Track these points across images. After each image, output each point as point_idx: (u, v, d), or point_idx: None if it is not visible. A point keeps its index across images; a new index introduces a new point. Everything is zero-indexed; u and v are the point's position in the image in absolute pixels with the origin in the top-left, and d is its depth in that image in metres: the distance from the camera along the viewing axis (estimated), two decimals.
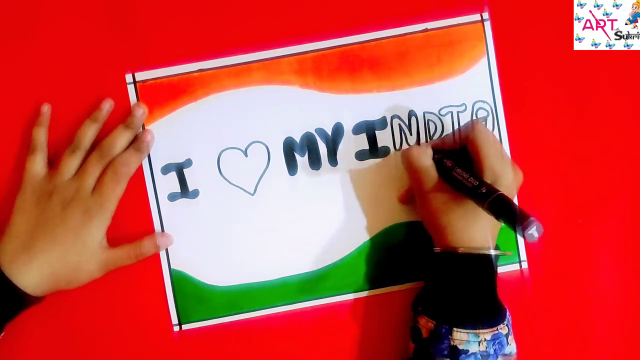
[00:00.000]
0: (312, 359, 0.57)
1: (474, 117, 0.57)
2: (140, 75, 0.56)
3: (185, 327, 0.57)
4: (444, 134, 0.57)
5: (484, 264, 0.50)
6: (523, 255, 0.58)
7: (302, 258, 0.57)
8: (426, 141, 0.57)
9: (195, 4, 0.57)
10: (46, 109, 0.56)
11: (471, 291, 0.50)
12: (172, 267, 0.57)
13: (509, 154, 0.57)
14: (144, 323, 0.57)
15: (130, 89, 0.56)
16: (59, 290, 0.54)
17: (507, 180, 0.50)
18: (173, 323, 0.57)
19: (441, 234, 0.51)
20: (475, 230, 0.50)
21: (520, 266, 0.58)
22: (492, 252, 0.50)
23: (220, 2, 0.57)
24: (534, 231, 0.44)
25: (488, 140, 0.51)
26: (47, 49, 0.56)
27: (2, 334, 0.54)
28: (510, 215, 0.45)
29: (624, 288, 0.58)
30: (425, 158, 0.53)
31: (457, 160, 0.52)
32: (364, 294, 0.58)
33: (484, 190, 0.47)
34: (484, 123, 0.56)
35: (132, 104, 0.56)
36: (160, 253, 0.57)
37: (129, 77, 0.56)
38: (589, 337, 0.58)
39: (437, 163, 0.53)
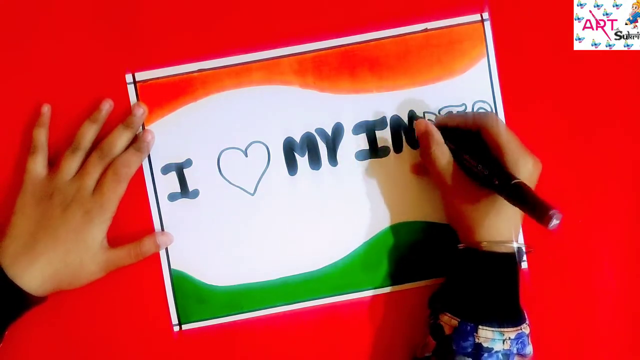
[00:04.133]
0: (312, 359, 0.57)
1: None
2: (140, 75, 0.56)
3: (185, 327, 0.57)
4: (453, 112, 0.57)
5: (509, 262, 0.50)
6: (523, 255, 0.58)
7: (302, 258, 0.57)
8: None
9: (195, 4, 0.57)
10: (46, 109, 0.56)
11: (497, 289, 0.50)
12: (172, 267, 0.57)
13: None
14: (144, 323, 0.57)
15: (130, 89, 0.56)
16: (60, 290, 0.54)
17: (528, 169, 0.50)
18: (173, 323, 0.57)
19: (467, 230, 0.51)
20: (501, 224, 0.50)
21: (521, 266, 0.58)
22: (516, 245, 0.50)
23: (220, 2, 0.57)
24: (555, 221, 0.43)
25: (505, 131, 0.51)
26: (47, 49, 0.56)
27: (5, 336, 0.53)
28: (528, 203, 0.45)
29: (624, 288, 0.58)
30: (440, 152, 0.52)
31: (464, 143, 0.52)
32: (364, 293, 0.58)
33: (497, 182, 0.48)
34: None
35: (132, 104, 0.56)
36: (160, 253, 0.57)
37: (129, 77, 0.56)
38: (589, 337, 0.58)
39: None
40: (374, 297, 0.58)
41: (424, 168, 0.56)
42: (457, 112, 0.57)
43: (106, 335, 0.57)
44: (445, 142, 0.53)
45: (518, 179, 0.47)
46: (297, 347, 0.57)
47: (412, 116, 0.57)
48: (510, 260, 0.50)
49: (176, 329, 0.57)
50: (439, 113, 0.57)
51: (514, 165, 0.49)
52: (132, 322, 0.57)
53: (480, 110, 0.57)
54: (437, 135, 0.53)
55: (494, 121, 0.51)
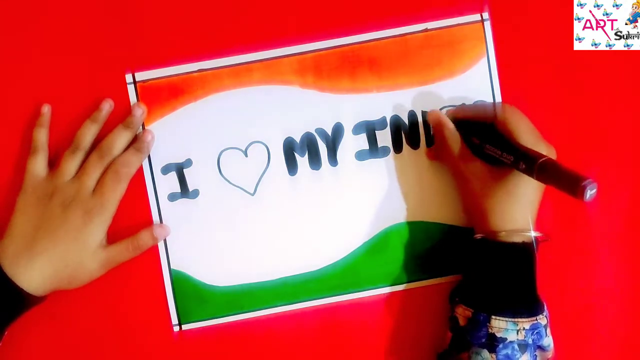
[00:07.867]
0: (312, 359, 0.57)
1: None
2: (140, 75, 0.56)
3: (185, 327, 0.57)
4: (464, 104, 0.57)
5: (525, 252, 0.50)
6: None
7: (302, 258, 0.57)
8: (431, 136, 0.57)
9: (195, 4, 0.57)
10: (46, 109, 0.56)
11: (512, 279, 0.50)
12: (172, 267, 0.57)
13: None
14: (144, 323, 0.57)
15: (130, 89, 0.57)
16: (59, 290, 0.54)
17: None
18: (173, 323, 0.57)
19: (482, 218, 0.51)
20: (517, 212, 0.50)
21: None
22: (534, 234, 0.49)
23: (221, 2, 0.57)
24: (590, 192, 0.42)
25: (519, 120, 0.51)
26: (47, 49, 0.56)
27: (4, 335, 0.54)
28: (559, 180, 0.44)
29: (624, 288, 0.58)
30: (453, 140, 0.53)
31: (481, 134, 0.52)
32: (364, 294, 0.58)
33: (524, 166, 0.47)
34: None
35: (132, 104, 0.56)
36: (160, 253, 0.57)
37: (129, 77, 0.56)
38: (589, 337, 0.58)
39: (464, 138, 0.54)
40: (374, 297, 0.58)
41: (438, 153, 0.56)
42: (465, 104, 0.57)
43: (106, 335, 0.57)
44: (469, 136, 0.53)
45: (544, 157, 0.46)
46: (297, 348, 0.57)
47: (412, 116, 0.57)
48: (526, 249, 0.50)
49: (176, 329, 0.57)
50: None
51: None
52: (132, 322, 0.57)
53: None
54: (449, 124, 0.54)
55: (508, 112, 0.51)
